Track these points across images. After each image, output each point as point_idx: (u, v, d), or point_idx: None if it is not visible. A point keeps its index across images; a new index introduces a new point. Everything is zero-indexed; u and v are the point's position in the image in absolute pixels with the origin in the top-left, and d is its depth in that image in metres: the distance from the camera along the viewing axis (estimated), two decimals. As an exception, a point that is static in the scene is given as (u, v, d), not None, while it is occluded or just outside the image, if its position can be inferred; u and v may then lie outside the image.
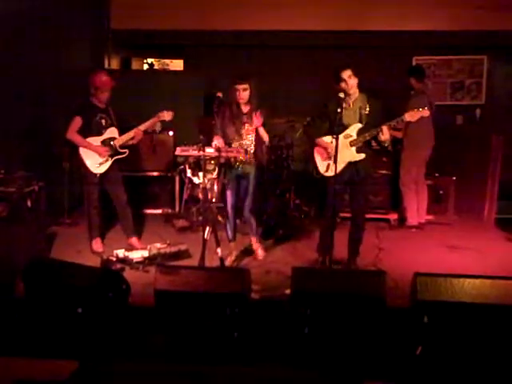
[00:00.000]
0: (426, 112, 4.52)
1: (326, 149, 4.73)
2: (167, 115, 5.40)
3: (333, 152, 4.37)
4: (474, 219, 6.63)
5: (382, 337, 3.46)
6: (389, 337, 3.47)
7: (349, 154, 4.64)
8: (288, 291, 3.81)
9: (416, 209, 6.38)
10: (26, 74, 5.83)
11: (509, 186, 6.77)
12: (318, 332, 3.49)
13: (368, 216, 6.35)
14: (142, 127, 5.44)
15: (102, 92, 5.28)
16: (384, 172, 6.57)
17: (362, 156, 4.64)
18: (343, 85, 4.56)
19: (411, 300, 3.53)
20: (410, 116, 4.53)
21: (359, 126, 4.62)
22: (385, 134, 4.50)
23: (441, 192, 6.61)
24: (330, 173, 4.59)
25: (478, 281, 3.44)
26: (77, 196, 6.72)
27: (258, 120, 4.86)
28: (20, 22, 5.76)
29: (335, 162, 4.29)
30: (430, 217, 6.52)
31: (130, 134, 5.42)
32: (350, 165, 4.67)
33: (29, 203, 4.91)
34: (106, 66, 7.94)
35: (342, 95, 4.43)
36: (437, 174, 6.63)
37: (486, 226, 6.48)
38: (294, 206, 6.61)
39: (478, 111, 7.73)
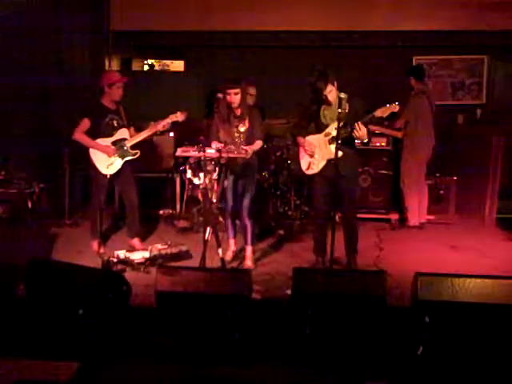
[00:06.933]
0: (395, 107, 4.52)
1: (305, 147, 4.82)
2: (180, 116, 5.24)
3: (312, 150, 4.74)
4: (474, 219, 6.61)
5: (382, 337, 3.46)
6: (390, 337, 3.47)
7: (328, 151, 4.69)
8: (289, 291, 3.81)
9: (417, 209, 6.39)
10: (27, 75, 5.84)
11: (509, 185, 6.77)
12: (319, 332, 3.50)
13: (369, 216, 6.43)
14: (153, 129, 5.30)
15: (117, 88, 5.22)
16: (384, 172, 6.57)
17: (340, 154, 4.65)
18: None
19: (412, 300, 3.53)
20: (381, 112, 4.54)
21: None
22: (359, 131, 4.51)
23: (441, 192, 6.61)
24: (311, 171, 4.85)
25: (479, 280, 3.44)
26: (78, 197, 6.74)
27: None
28: (20, 23, 5.78)
29: (336, 161, 4.36)
30: (431, 217, 6.52)
31: (141, 135, 5.34)
32: (331, 163, 4.66)
33: (30, 204, 4.91)
34: (107, 66, 7.94)
35: (342, 96, 4.47)
36: (437, 174, 6.62)
37: (487, 226, 6.47)
38: (294, 207, 6.62)
39: (478, 111, 7.71)
